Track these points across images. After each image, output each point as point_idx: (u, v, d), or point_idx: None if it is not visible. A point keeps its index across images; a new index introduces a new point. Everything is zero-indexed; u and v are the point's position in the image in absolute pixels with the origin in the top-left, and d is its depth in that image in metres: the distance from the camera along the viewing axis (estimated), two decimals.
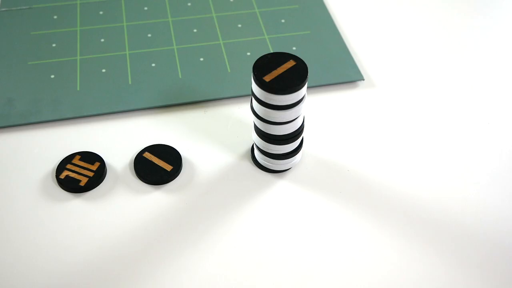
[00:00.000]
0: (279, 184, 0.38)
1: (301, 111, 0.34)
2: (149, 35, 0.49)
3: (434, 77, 0.46)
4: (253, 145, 0.39)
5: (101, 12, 0.51)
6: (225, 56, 0.47)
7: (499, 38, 0.50)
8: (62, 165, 0.38)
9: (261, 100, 0.33)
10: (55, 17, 0.50)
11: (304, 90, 0.33)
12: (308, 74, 0.32)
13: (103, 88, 0.44)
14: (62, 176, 0.37)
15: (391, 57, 0.48)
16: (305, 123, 0.37)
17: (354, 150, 0.40)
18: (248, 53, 0.47)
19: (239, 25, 0.50)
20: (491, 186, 0.38)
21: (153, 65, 0.46)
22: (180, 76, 0.45)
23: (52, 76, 0.44)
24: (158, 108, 0.43)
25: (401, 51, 0.49)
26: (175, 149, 0.39)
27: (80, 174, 0.37)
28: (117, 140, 0.40)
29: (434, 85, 0.46)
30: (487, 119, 0.43)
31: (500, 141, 0.41)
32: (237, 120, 0.42)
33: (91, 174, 0.38)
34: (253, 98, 0.34)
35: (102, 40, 0.48)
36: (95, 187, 0.37)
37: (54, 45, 0.47)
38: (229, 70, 0.46)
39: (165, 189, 0.38)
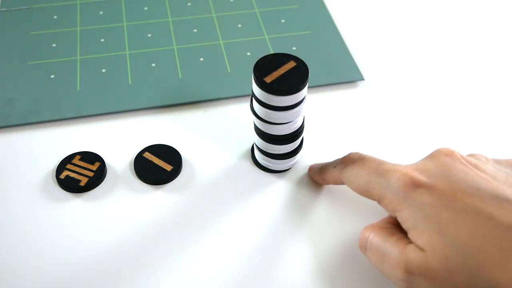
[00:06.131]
0: (279, 184, 0.38)
1: (302, 111, 0.34)
2: (149, 35, 0.49)
3: (433, 77, 0.46)
4: (253, 145, 0.39)
5: (101, 12, 0.51)
6: (225, 56, 0.47)
7: (499, 39, 0.50)
8: (62, 165, 0.38)
9: (261, 101, 0.33)
10: (55, 17, 0.50)
11: (304, 91, 0.33)
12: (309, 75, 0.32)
13: (103, 88, 0.44)
14: (62, 176, 0.37)
15: (391, 57, 0.48)
16: (305, 123, 0.37)
17: (354, 150, 0.40)
18: (248, 53, 0.47)
19: (239, 25, 0.50)
20: None
21: (153, 65, 0.46)
22: (180, 76, 0.45)
23: (52, 76, 0.44)
24: (158, 108, 0.43)
25: (401, 51, 0.49)
26: (175, 149, 0.39)
27: (80, 174, 0.37)
28: (117, 140, 0.40)
29: (434, 85, 0.46)
30: (487, 119, 0.43)
31: (500, 141, 0.41)
32: (237, 120, 0.42)
33: (91, 174, 0.38)
34: (253, 99, 0.34)
35: (102, 40, 0.48)
36: (95, 187, 0.37)
37: (54, 45, 0.47)
38: (229, 70, 0.46)
39: (165, 189, 0.38)
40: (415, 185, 0.29)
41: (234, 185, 0.38)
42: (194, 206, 0.37)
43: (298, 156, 0.38)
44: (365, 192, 0.32)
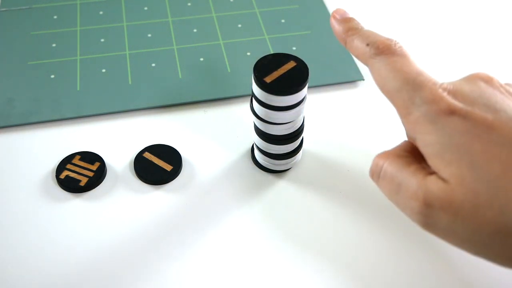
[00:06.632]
0: (279, 184, 0.38)
1: (302, 111, 0.34)
2: (149, 35, 0.49)
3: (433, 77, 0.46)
4: (253, 145, 0.39)
5: (101, 12, 0.51)
6: (225, 56, 0.47)
7: (497, 38, 0.50)
8: (62, 165, 0.38)
9: (261, 101, 0.33)
10: (55, 17, 0.50)
11: (304, 91, 0.33)
12: (309, 75, 0.32)
13: (103, 88, 0.44)
14: (62, 176, 0.37)
15: None
16: (305, 123, 0.37)
17: (354, 150, 0.40)
18: (248, 53, 0.47)
19: (239, 25, 0.50)
20: None
21: (153, 65, 0.46)
22: (180, 76, 0.45)
23: (52, 76, 0.44)
24: (158, 108, 0.43)
25: None
26: (175, 149, 0.39)
27: (80, 174, 0.37)
28: (117, 140, 0.40)
29: None
30: None
31: None
32: (237, 120, 0.42)
33: (91, 174, 0.38)
34: (253, 99, 0.34)
35: (102, 40, 0.48)
36: (95, 187, 0.37)
37: (54, 45, 0.47)
38: (229, 70, 0.46)
39: (165, 189, 0.38)
40: (450, 111, 0.26)
41: (234, 185, 0.38)
42: (194, 206, 0.37)
43: (298, 156, 0.38)
44: (389, 95, 0.28)
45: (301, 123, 0.36)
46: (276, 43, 0.48)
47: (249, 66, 0.45)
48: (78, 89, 0.44)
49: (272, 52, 0.47)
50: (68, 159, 0.38)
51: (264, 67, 0.32)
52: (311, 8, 0.52)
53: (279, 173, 0.39)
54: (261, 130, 0.35)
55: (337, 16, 0.32)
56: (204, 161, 0.39)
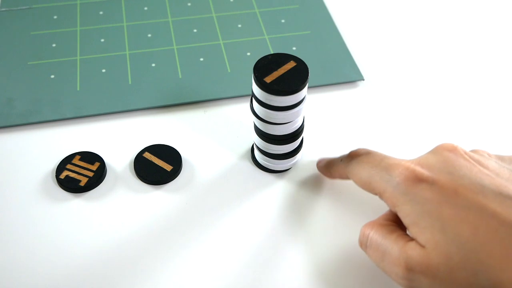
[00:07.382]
0: (279, 184, 0.38)
1: (302, 111, 0.34)
2: (149, 35, 0.49)
3: (433, 76, 0.46)
4: (253, 145, 0.39)
5: (101, 12, 0.51)
6: (225, 56, 0.47)
7: (497, 37, 0.50)
8: (62, 165, 0.38)
9: (261, 101, 0.33)
10: (55, 17, 0.50)
11: (304, 91, 0.33)
12: (309, 75, 0.32)
13: (103, 88, 0.44)
14: (62, 176, 0.37)
15: (391, 57, 0.48)
16: (305, 123, 0.37)
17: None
18: (248, 53, 0.47)
19: (239, 25, 0.50)
20: None
21: (153, 65, 0.46)
22: (180, 76, 0.45)
23: (52, 76, 0.44)
24: (158, 108, 0.43)
25: (401, 51, 0.49)
26: (175, 149, 0.39)
27: (80, 174, 0.37)
28: (117, 140, 0.40)
29: (434, 84, 0.46)
30: (487, 117, 0.43)
31: (500, 138, 0.41)
32: (237, 120, 0.42)
33: (91, 174, 0.38)
34: (253, 99, 0.34)
35: (102, 40, 0.48)
36: (95, 187, 0.37)
37: (54, 45, 0.47)
38: (229, 70, 0.46)
39: (165, 189, 0.38)
40: (417, 179, 0.28)
41: (234, 185, 0.38)
42: (194, 206, 0.37)
43: (298, 156, 0.38)
44: (367, 186, 0.31)
45: (301, 123, 0.36)
46: (276, 43, 0.48)
47: (249, 66, 0.45)
48: (78, 89, 0.44)
49: (272, 52, 0.47)
50: (68, 159, 0.38)
51: (264, 67, 0.32)
52: (311, 8, 0.52)
53: (279, 173, 0.39)
54: (261, 130, 0.35)
55: (319, 164, 0.38)
56: (204, 161, 0.39)
